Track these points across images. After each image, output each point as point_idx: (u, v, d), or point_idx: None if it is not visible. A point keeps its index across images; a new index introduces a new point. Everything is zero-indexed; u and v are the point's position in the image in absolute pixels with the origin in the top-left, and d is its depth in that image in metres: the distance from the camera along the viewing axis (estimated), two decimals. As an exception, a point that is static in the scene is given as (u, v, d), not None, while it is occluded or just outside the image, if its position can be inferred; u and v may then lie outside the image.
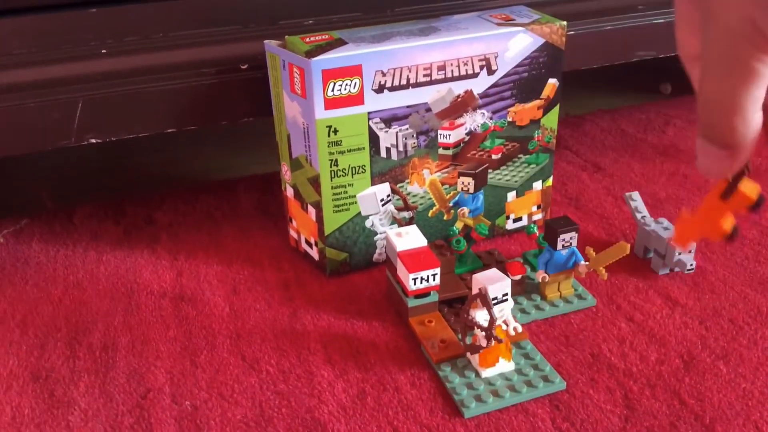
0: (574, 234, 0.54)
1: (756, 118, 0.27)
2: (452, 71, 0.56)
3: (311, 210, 0.59)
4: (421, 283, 0.52)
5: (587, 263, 0.54)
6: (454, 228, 0.59)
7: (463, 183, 0.58)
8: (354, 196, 0.58)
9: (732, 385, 0.47)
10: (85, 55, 0.56)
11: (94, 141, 0.59)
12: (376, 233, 0.60)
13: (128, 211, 0.73)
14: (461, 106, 0.58)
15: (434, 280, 0.52)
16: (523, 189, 0.65)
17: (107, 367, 0.51)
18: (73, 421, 0.46)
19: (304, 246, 0.63)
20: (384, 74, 0.54)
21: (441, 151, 0.60)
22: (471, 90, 0.58)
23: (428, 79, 0.56)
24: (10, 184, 0.85)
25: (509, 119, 0.61)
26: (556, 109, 0.63)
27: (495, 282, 0.47)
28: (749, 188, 0.30)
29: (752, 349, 0.51)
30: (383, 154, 0.57)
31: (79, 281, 0.61)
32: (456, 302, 0.56)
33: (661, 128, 0.88)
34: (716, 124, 0.28)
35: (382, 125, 0.56)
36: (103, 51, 0.57)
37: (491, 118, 0.60)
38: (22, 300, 0.59)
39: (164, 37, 0.58)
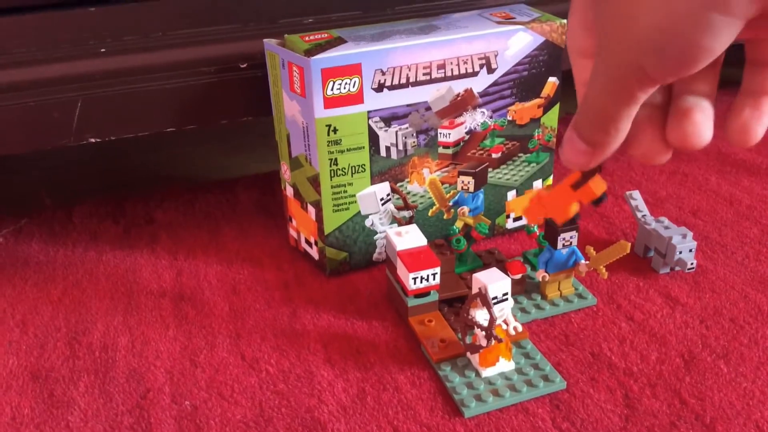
0: (574, 233, 0.53)
1: (625, 131, 0.31)
2: (452, 70, 0.56)
3: (311, 209, 0.59)
4: (421, 282, 0.52)
5: (587, 262, 0.54)
6: (454, 227, 0.59)
7: (463, 182, 0.58)
8: (354, 196, 0.58)
9: (733, 384, 0.47)
10: (85, 54, 0.56)
11: (93, 140, 0.59)
12: (375, 232, 0.60)
13: (128, 211, 0.73)
14: (461, 104, 0.58)
15: (434, 279, 0.52)
16: (523, 188, 0.65)
17: (107, 366, 0.51)
18: (73, 421, 0.46)
19: (304, 245, 0.63)
20: (383, 73, 0.54)
21: (441, 150, 0.59)
22: (471, 89, 0.58)
23: (428, 77, 0.56)
24: (10, 184, 0.85)
25: (509, 118, 0.61)
26: (557, 107, 0.63)
27: (495, 281, 0.46)
28: (597, 185, 0.35)
29: (753, 348, 0.50)
30: (383, 153, 0.57)
31: (79, 281, 0.61)
32: (456, 301, 0.55)
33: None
34: (592, 127, 0.31)
35: (382, 124, 0.56)
36: (102, 50, 0.57)
37: (491, 117, 0.60)
38: (22, 300, 0.59)
39: (163, 36, 0.58)
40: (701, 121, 0.31)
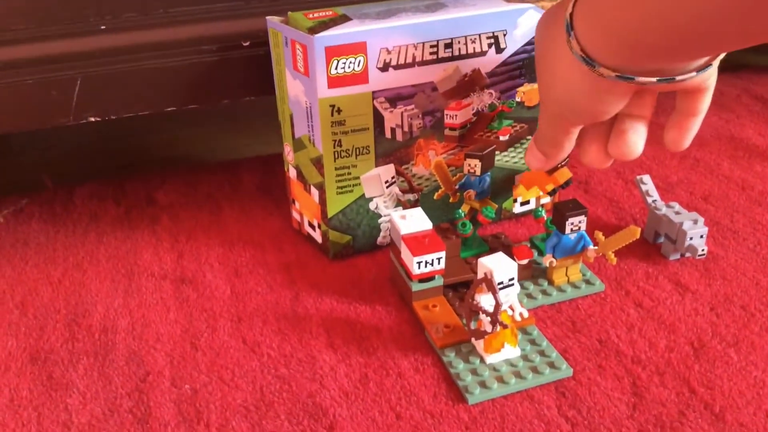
0: (582, 218, 0.52)
1: (568, 148, 0.45)
2: (459, 49, 0.55)
3: (314, 191, 0.58)
4: (426, 266, 0.51)
5: (596, 248, 0.53)
6: (460, 211, 0.58)
7: (469, 165, 0.57)
8: (358, 178, 0.57)
9: (743, 373, 0.46)
10: (84, 31, 0.55)
11: (93, 119, 0.58)
12: (380, 216, 0.59)
13: (129, 192, 0.72)
14: (468, 85, 0.57)
15: (439, 263, 0.51)
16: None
17: (106, 349, 0.50)
18: (72, 403, 0.46)
19: (307, 228, 0.62)
20: (389, 52, 0.53)
21: (447, 131, 0.58)
22: (479, 69, 0.56)
23: (434, 57, 0.54)
24: (10, 164, 0.84)
25: (518, 99, 0.59)
26: (566, 89, 0.61)
27: (501, 266, 0.45)
28: (562, 175, 0.52)
29: (764, 336, 0.49)
30: (388, 134, 0.56)
31: (79, 262, 0.61)
32: (461, 286, 0.55)
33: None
34: (543, 144, 0.46)
35: (387, 105, 0.55)
36: (102, 27, 0.56)
37: (499, 98, 0.59)
38: (22, 281, 0.58)
39: (164, 13, 0.57)
40: (634, 141, 0.43)
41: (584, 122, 0.41)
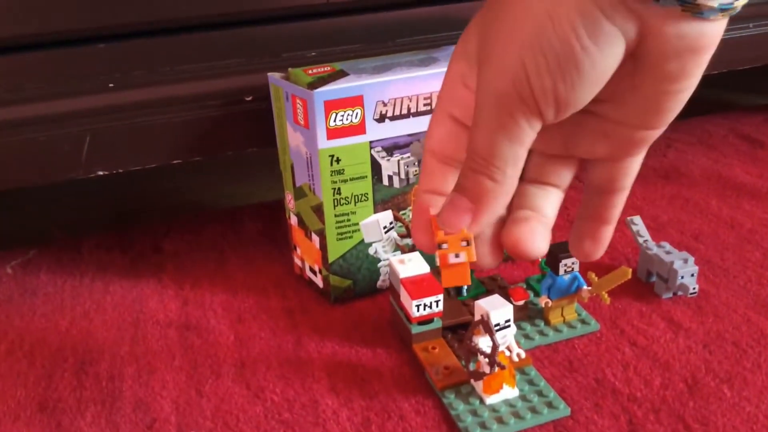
0: (575, 259, 0.54)
1: (510, 176, 0.27)
2: (452, 100, 0.57)
3: (315, 238, 0.60)
4: (425, 309, 0.52)
5: (590, 288, 0.54)
6: (457, 254, 0.60)
7: (464, 209, 0.59)
8: (357, 224, 0.58)
9: (736, 408, 0.47)
10: (93, 89, 0.58)
11: (102, 173, 0.60)
12: (379, 260, 0.61)
13: (135, 241, 0.74)
14: (462, 133, 0.59)
15: (437, 306, 0.53)
16: (524, 214, 0.65)
17: (114, 396, 0.51)
18: (80, 451, 0.47)
19: (309, 273, 0.63)
20: (385, 104, 0.55)
21: (442, 178, 0.60)
22: (471, 118, 0.59)
23: (428, 108, 0.57)
24: (19, 216, 0.86)
25: (509, 146, 0.62)
26: (556, 135, 0.63)
27: (497, 308, 0.47)
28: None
29: (756, 372, 0.50)
30: (385, 182, 0.58)
31: (86, 312, 0.62)
32: (459, 328, 0.56)
33: (662, 151, 0.89)
34: (474, 171, 0.27)
35: (384, 154, 0.57)
36: (111, 85, 0.58)
37: (491, 145, 0.61)
38: (30, 331, 0.60)
39: (170, 71, 0.59)
40: (537, 230, 0.29)
41: (550, 78, 0.25)
